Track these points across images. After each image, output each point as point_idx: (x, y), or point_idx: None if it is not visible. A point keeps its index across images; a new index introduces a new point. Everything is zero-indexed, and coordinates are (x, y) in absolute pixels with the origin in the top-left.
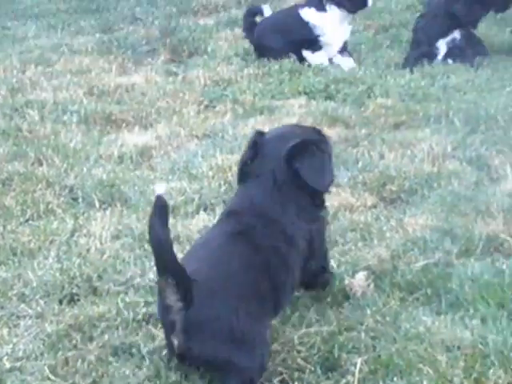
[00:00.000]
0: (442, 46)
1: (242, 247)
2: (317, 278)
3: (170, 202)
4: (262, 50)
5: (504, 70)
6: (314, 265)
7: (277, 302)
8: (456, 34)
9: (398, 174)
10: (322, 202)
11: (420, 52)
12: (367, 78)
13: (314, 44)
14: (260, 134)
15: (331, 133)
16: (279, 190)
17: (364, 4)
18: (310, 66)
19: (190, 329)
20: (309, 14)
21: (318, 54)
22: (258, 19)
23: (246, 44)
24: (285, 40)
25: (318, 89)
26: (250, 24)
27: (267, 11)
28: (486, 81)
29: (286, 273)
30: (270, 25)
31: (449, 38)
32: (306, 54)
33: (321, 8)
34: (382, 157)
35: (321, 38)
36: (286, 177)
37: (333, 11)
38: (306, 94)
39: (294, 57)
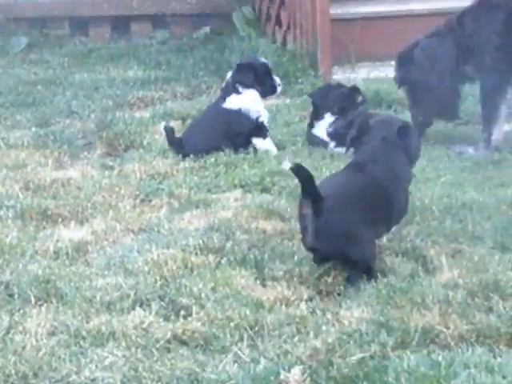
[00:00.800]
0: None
1: (362, 177)
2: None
3: (106, 298)
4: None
5: (438, 159)
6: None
7: (387, 219)
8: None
9: (334, 267)
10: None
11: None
12: None
13: (259, 129)
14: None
15: (267, 226)
16: (390, 152)
17: (273, 90)
18: (245, 158)
19: (318, 232)
20: (234, 102)
21: (267, 138)
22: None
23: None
24: (221, 136)
25: (253, 182)
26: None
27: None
28: (420, 171)
29: (391, 200)
30: (198, 131)
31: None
32: (256, 141)
33: (237, 92)
34: None
35: (261, 119)
36: (395, 145)
37: (251, 92)
38: (241, 186)
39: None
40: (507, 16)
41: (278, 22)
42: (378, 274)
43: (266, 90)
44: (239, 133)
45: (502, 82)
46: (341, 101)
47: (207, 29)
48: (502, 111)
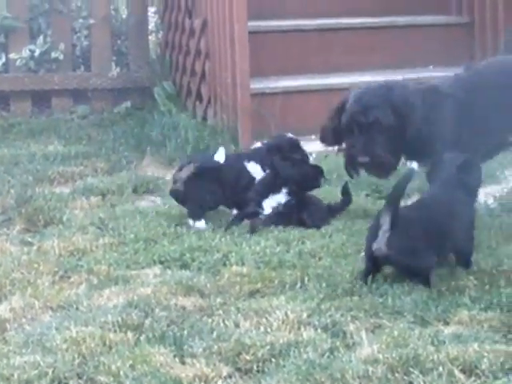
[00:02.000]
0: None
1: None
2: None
3: (24, 376)
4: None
5: (359, 234)
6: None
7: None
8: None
9: (253, 343)
10: None
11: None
12: (222, 245)
13: None
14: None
15: (186, 302)
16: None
17: None
18: (164, 234)
19: (389, 242)
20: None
21: None
22: None
23: (102, 213)
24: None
25: (173, 257)
26: None
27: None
28: (340, 246)
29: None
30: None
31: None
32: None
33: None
34: (237, 326)
35: None
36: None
37: None
38: (161, 263)
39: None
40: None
41: (199, 97)
42: (297, 350)
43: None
44: None
45: None
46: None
47: (128, 103)
48: None
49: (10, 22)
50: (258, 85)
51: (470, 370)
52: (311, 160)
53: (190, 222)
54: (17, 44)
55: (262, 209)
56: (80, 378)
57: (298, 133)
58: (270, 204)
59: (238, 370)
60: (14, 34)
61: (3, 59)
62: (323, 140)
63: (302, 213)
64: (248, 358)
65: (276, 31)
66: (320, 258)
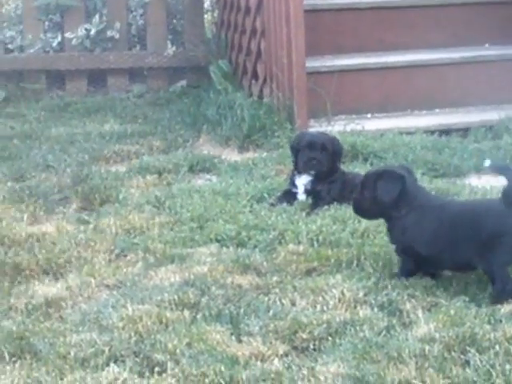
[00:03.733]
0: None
1: None
2: None
3: (80, 354)
4: None
5: None
6: None
7: None
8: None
9: (310, 322)
10: None
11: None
12: (278, 223)
13: None
14: None
15: (242, 280)
16: None
17: None
18: (221, 212)
19: None
20: None
21: None
22: None
23: (158, 191)
24: None
25: (229, 236)
26: None
27: None
28: None
29: None
30: None
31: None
32: None
33: None
34: (293, 304)
35: None
36: None
37: None
38: (217, 241)
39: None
40: None
41: (255, 76)
42: (353, 329)
43: None
44: None
45: None
46: None
47: (184, 82)
48: None
49: (66, 1)
50: (313, 63)
51: None
52: None
53: None
54: (72, 23)
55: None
56: (136, 356)
57: (353, 111)
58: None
59: (295, 348)
60: (70, 13)
61: (59, 38)
62: None
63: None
64: (304, 336)
65: (331, 9)
66: (376, 237)
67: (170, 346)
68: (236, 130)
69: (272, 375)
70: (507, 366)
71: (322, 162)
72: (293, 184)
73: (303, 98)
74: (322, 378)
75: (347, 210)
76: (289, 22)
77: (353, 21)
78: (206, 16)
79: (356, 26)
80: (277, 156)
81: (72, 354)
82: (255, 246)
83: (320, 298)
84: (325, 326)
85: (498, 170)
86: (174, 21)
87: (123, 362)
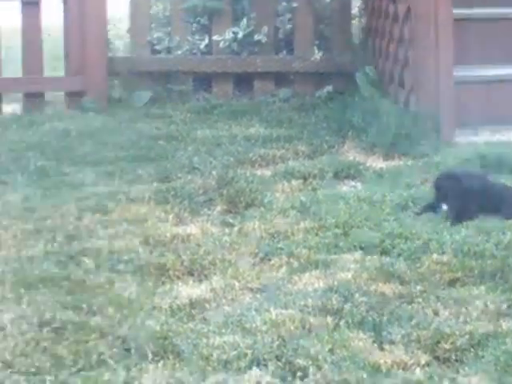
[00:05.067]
0: None
1: None
2: None
3: (223, 356)
4: None
5: None
6: None
7: None
8: None
9: (452, 332)
10: None
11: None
12: (423, 233)
13: None
14: None
15: (386, 288)
16: None
17: None
18: (365, 219)
19: None
20: None
21: None
22: None
23: (303, 196)
24: None
25: (373, 243)
26: None
27: None
28: None
29: None
30: None
31: None
32: None
33: None
34: (436, 314)
35: None
36: None
37: None
38: (361, 248)
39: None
40: None
41: (401, 83)
42: (496, 341)
43: None
44: None
45: None
46: None
47: (330, 88)
48: None
49: (214, 3)
50: (461, 73)
51: None
52: None
53: None
54: (220, 26)
55: None
56: (279, 360)
57: (499, 121)
58: None
59: (436, 358)
60: (218, 16)
61: (206, 41)
62: None
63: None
64: (447, 346)
65: (481, 19)
66: None
67: (312, 351)
68: (381, 137)
69: None
70: None
71: None
72: None
73: (450, 108)
74: None
75: (492, 222)
76: (437, 30)
77: (503, 30)
78: (353, 22)
79: (506, 36)
80: (422, 165)
81: (215, 355)
82: (399, 255)
83: (463, 309)
84: (467, 337)
85: None
86: (321, 26)
87: (265, 365)
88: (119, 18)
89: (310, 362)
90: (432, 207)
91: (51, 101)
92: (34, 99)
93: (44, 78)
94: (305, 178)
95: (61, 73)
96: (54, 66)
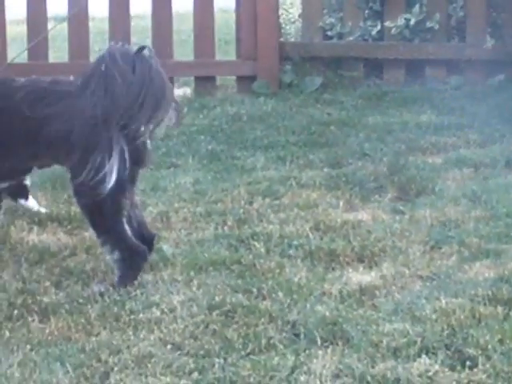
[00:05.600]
0: None
1: None
2: None
3: (392, 344)
4: None
5: None
6: None
7: None
8: None
9: None
10: None
11: None
12: None
13: None
14: None
15: None
16: None
17: None
18: None
19: None
20: None
21: None
22: None
23: (474, 185)
24: None
25: None
26: None
27: None
28: None
29: None
30: None
31: None
32: None
33: None
34: None
35: None
36: None
37: None
38: None
39: None
40: None
41: None
42: None
43: None
44: None
45: None
46: None
47: (501, 76)
48: None
49: None
50: None
51: None
52: None
53: None
54: (393, 12)
55: None
56: (448, 349)
57: None
58: None
59: None
60: (391, 3)
61: (378, 27)
62: None
63: None
64: None
65: None
66: None
67: (481, 341)
68: None
69: None
70: None
71: None
72: None
73: None
74: None
75: None
76: None
77: None
78: None
79: None
80: None
81: (384, 342)
82: None
83: None
84: None
85: None
86: (494, 14)
87: (434, 354)
88: (291, 3)
89: (480, 352)
90: None
91: (222, 84)
92: (205, 83)
93: (215, 62)
94: (476, 167)
95: (231, 57)
96: (225, 50)
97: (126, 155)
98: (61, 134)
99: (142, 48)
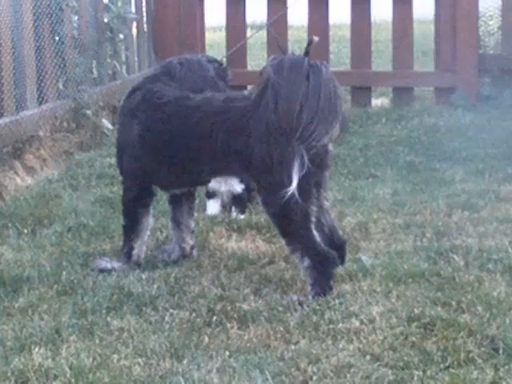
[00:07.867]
0: None
1: None
2: None
3: None
4: None
5: None
6: None
7: None
8: None
9: None
10: None
11: None
12: None
13: None
14: None
15: None
16: None
17: None
18: None
19: None
20: None
21: None
22: None
23: None
24: None
25: None
26: None
27: None
28: None
29: None
30: None
31: None
32: None
33: None
34: None
35: None
36: None
37: None
38: None
39: None
40: None
41: None
42: None
43: None
44: None
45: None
46: None
47: None
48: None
49: None
50: None
51: None
52: None
53: None
54: None
55: None
56: None
57: None
58: None
59: None
60: None
61: None
62: None
63: None
64: None
65: None
66: None
67: None
68: None
69: None
70: None
71: None
72: None
73: None
74: None
75: None
76: None
77: None
78: None
79: None
80: None
81: None
82: None
83: None
84: None
85: None
86: None
87: None
88: (490, 15)
89: None
90: None
91: (419, 95)
92: (402, 93)
93: (414, 73)
94: None
95: (429, 68)
96: (423, 61)
97: (307, 161)
98: (241, 150)
99: (310, 42)
